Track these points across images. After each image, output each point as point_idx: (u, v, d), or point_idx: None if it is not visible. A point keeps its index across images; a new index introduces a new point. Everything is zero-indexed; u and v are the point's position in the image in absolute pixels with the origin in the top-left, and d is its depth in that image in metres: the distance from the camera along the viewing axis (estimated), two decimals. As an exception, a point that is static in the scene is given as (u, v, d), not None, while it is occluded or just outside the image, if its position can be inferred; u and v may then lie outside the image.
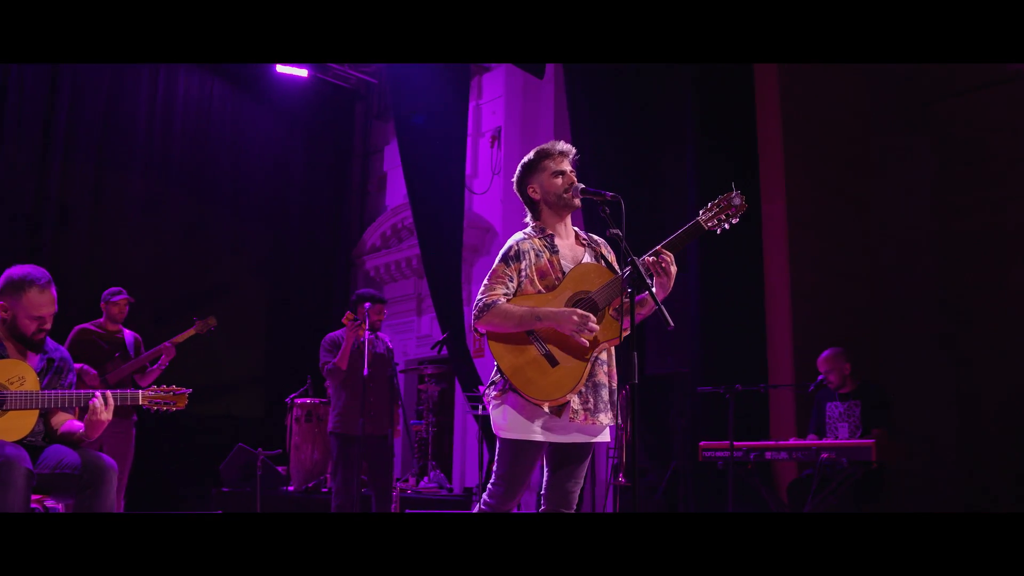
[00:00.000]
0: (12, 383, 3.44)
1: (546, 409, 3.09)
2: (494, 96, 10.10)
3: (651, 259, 3.15)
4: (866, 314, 6.69)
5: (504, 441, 3.17)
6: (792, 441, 5.38)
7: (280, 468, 7.82)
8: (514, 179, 3.39)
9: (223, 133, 10.19)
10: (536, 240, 3.28)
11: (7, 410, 3.39)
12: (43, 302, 3.53)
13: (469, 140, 10.22)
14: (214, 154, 10.09)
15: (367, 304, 6.02)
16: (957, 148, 6.72)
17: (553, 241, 3.30)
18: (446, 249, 8.82)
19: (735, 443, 5.19)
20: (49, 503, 3.52)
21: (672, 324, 2.92)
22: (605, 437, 3.29)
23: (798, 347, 6.30)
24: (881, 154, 7.00)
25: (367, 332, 5.95)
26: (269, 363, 10.11)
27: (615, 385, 3.28)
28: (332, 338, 6.06)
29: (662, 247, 3.19)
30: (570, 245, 3.35)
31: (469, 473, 9.26)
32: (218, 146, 10.14)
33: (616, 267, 3.33)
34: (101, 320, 6.04)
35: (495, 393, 3.19)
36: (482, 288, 3.20)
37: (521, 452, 3.15)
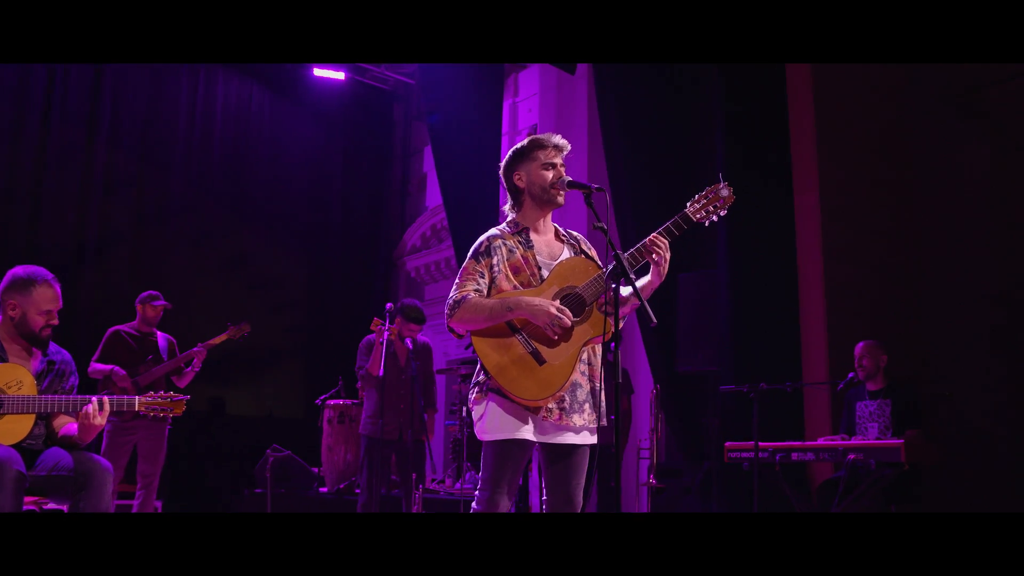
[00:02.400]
0: (10, 387, 3.47)
1: (535, 404, 3.03)
2: (530, 94, 10.03)
3: (647, 243, 3.10)
4: (907, 309, 6.41)
5: (488, 443, 3.10)
6: (821, 441, 5.18)
7: (315, 469, 7.86)
8: (502, 163, 3.31)
9: (262, 137, 10.32)
10: (509, 237, 3.22)
11: (4, 414, 3.43)
12: (50, 297, 3.63)
13: (505, 138, 10.17)
14: (253, 157, 10.21)
15: (399, 317, 6.09)
16: (1010, 134, 6.40)
17: (528, 236, 3.24)
18: (481, 249, 8.76)
19: (760, 443, 5.01)
20: (48, 506, 3.54)
21: (655, 321, 2.82)
22: (589, 439, 3.22)
23: (833, 344, 6.07)
24: (923, 142, 6.70)
25: (395, 337, 6.02)
26: (309, 365, 10.18)
27: (597, 385, 3.20)
28: (368, 341, 6.13)
29: (654, 234, 3.12)
30: (548, 241, 3.28)
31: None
32: (257, 149, 10.26)
33: (600, 262, 3.25)
34: (135, 322, 6.13)
35: (476, 394, 3.12)
36: (453, 287, 3.13)
37: (506, 453, 3.07)
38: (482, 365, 3.08)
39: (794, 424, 6.04)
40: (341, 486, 7.40)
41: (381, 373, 5.83)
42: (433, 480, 8.48)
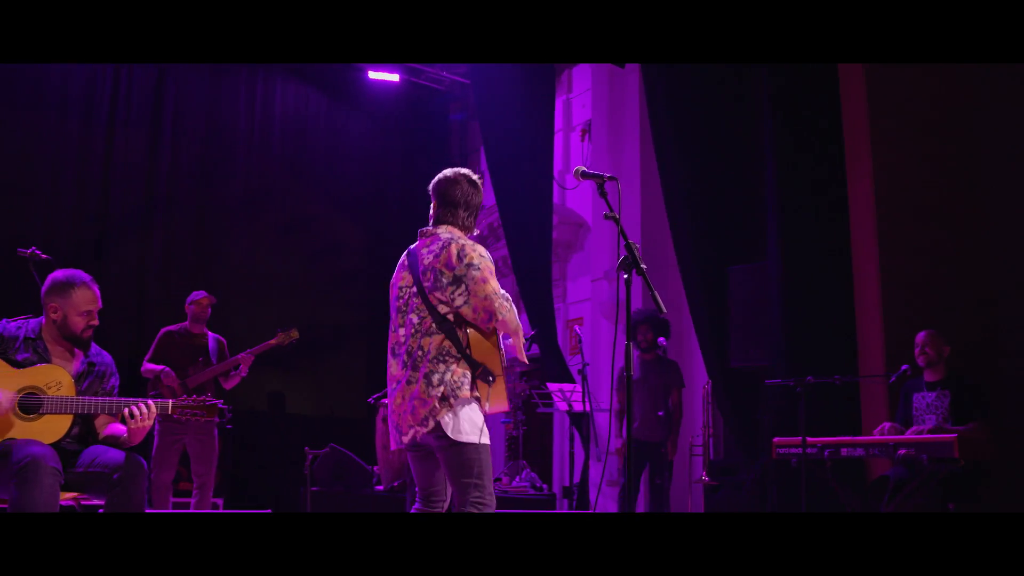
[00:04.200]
0: (50, 388, 3.58)
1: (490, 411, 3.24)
2: (583, 89, 9.97)
3: None
4: (969, 300, 6.14)
5: (480, 447, 3.20)
6: (876, 435, 5.00)
7: (374, 467, 7.93)
8: (456, 181, 3.56)
9: (319, 140, 10.49)
10: None
11: (43, 414, 3.54)
12: (90, 298, 3.74)
13: (560, 135, 10.13)
14: (311, 160, 10.39)
15: None
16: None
17: None
18: (535, 247, 8.76)
19: (809, 439, 4.86)
20: (85, 502, 3.63)
21: (665, 310, 2.77)
22: None
23: (890, 336, 5.85)
24: (987, 120, 6.39)
25: None
26: (370, 365, 10.29)
27: None
28: None
29: None
30: None
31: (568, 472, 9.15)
32: (315, 152, 10.44)
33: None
34: (185, 324, 6.27)
35: (466, 391, 3.19)
36: (494, 283, 3.25)
37: (488, 454, 3.24)
38: (486, 366, 3.21)
39: (850, 419, 5.86)
40: (395, 484, 7.45)
41: None
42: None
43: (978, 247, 6.16)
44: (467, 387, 3.18)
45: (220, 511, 6.01)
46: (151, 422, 3.60)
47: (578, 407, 6.71)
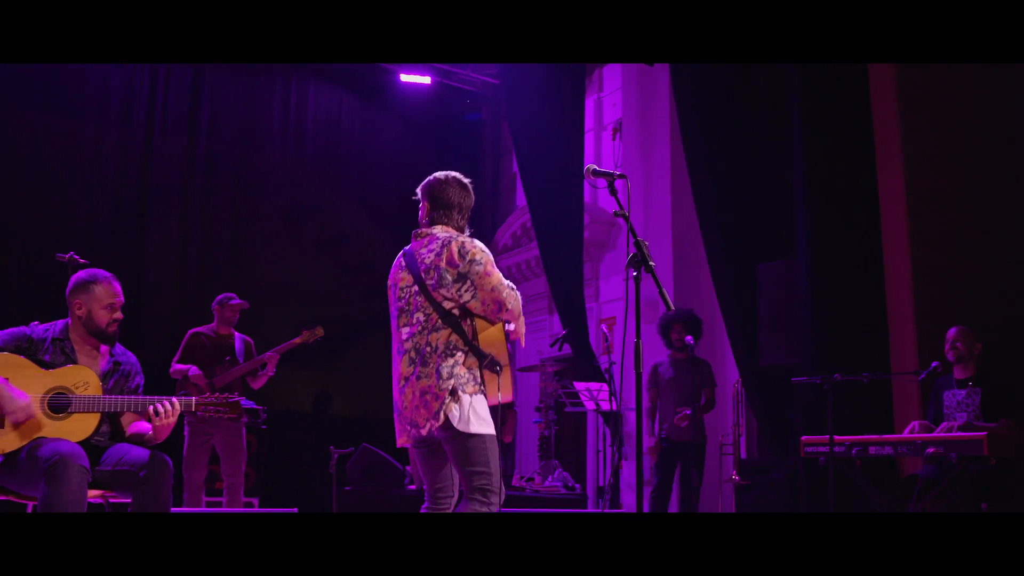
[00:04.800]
0: (77, 387, 3.67)
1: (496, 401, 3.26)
2: (614, 88, 9.94)
3: None
4: (1003, 297, 6.02)
5: (487, 437, 3.23)
6: (907, 433, 4.92)
7: (407, 467, 7.99)
8: (448, 183, 3.65)
9: (352, 143, 10.61)
10: None
11: (72, 413, 3.62)
12: (111, 292, 3.82)
13: (592, 134, 10.13)
14: (345, 163, 10.51)
15: None
16: None
17: None
18: (566, 246, 8.78)
19: (836, 437, 4.81)
20: (113, 500, 3.71)
21: (672, 307, 2.77)
22: None
23: (922, 333, 5.77)
24: (1022, 119, 6.28)
25: None
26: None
27: None
28: None
29: None
30: None
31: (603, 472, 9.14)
32: (348, 155, 10.56)
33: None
34: (213, 324, 6.36)
35: (472, 385, 3.24)
36: (498, 276, 3.34)
37: (496, 445, 3.29)
38: (493, 357, 3.27)
39: (882, 417, 5.78)
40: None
41: None
42: (521, 478, 8.51)
43: (1011, 242, 6.04)
44: (475, 380, 3.25)
45: (240, 510, 6.09)
46: (175, 420, 3.67)
47: (605, 406, 6.69)
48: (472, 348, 3.26)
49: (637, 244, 2.86)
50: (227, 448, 6.13)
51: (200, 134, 9.66)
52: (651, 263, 2.89)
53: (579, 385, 7.17)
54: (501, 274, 3.34)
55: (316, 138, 10.41)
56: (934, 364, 4.98)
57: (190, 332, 6.31)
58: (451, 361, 3.24)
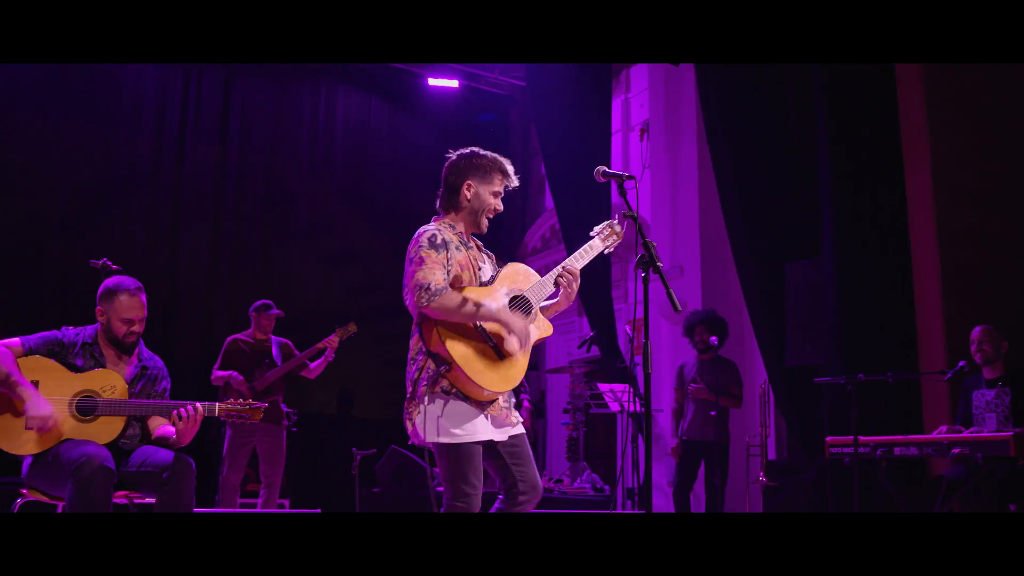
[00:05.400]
0: (104, 391, 3.76)
1: (491, 397, 3.08)
2: (641, 88, 9.91)
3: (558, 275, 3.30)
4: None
5: (447, 446, 3.07)
6: (936, 434, 4.86)
7: (435, 469, 8.02)
8: (452, 163, 3.34)
9: (381, 148, 10.69)
10: (451, 234, 3.24)
11: (98, 416, 3.71)
12: (132, 306, 3.86)
13: (619, 135, 10.11)
14: (374, 168, 10.59)
15: None
16: None
17: (464, 239, 3.29)
18: (593, 247, 8.74)
19: (861, 438, 4.76)
20: (138, 500, 3.79)
21: (680, 308, 2.78)
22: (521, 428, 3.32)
23: (951, 332, 5.69)
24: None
25: None
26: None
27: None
28: None
29: (563, 265, 3.35)
30: (476, 249, 3.36)
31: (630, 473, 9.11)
32: (377, 160, 10.64)
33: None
34: (250, 330, 6.47)
35: (424, 388, 3.06)
36: (419, 272, 3.07)
37: (474, 454, 3.09)
38: (442, 357, 3.05)
39: (910, 417, 5.72)
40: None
41: None
42: (550, 480, 8.52)
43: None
44: (428, 384, 3.07)
45: (271, 511, 6.17)
46: (197, 425, 3.74)
47: (630, 407, 6.69)
48: (428, 353, 3.09)
49: (645, 245, 2.87)
50: (268, 450, 6.24)
51: (232, 142, 9.81)
52: (659, 263, 2.90)
53: (603, 386, 7.17)
54: (434, 269, 3.06)
55: (345, 144, 10.51)
56: (961, 364, 4.91)
57: (229, 339, 6.43)
58: (414, 368, 3.13)
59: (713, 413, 6.24)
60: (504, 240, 11.49)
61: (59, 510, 3.79)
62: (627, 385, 6.86)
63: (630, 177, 3.06)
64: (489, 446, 3.16)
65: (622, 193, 3.08)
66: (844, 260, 5.98)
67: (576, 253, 3.37)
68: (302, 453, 8.24)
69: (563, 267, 3.30)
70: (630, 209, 2.95)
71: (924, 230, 5.93)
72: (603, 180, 3.23)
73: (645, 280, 2.91)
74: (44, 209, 8.85)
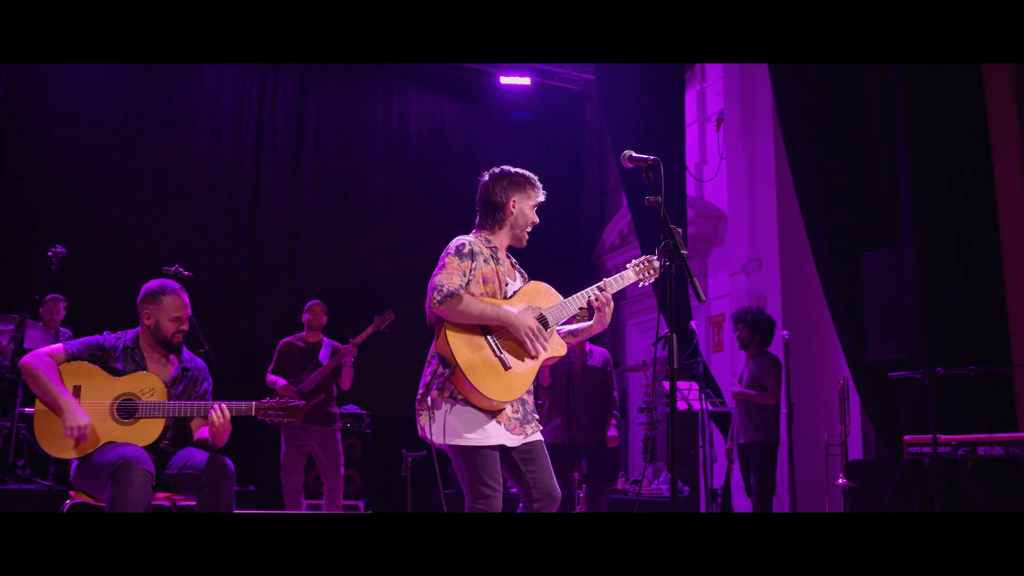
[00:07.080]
0: (144, 393, 3.79)
1: (494, 406, 3.10)
2: (716, 78, 9.61)
3: (592, 297, 3.31)
4: None
5: (458, 448, 3.13)
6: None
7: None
8: (494, 178, 3.43)
9: (455, 149, 10.65)
10: (484, 248, 3.32)
11: (139, 418, 3.74)
12: (179, 304, 3.94)
13: (695, 126, 9.84)
14: (449, 169, 10.55)
15: None
16: None
17: (496, 255, 3.36)
18: (668, 243, 8.52)
19: (940, 436, 4.44)
20: (180, 502, 3.81)
21: (704, 298, 2.60)
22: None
23: (1047, 321, 5.28)
24: None
25: None
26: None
27: (533, 400, 3.37)
28: None
29: (597, 287, 3.34)
30: (508, 266, 3.44)
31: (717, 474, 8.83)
32: (452, 162, 10.59)
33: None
34: (302, 332, 6.50)
35: (435, 392, 3.15)
36: (439, 275, 3.19)
37: (487, 457, 3.14)
38: (447, 360, 3.12)
39: (1003, 414, 5.31)
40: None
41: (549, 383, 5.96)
42: (627, 480, 8.32)
43: None
44: (437, 388, 3.17)
45: (309, 512, 6.19)
46: (229, 425, 3.74)
47: (697, 405, 6.48)
48: (439, 357, 3.18)
49: (669, 232, 2.72)
50: (322, 454, 6.23)
51: (307, 144, 9.95)
52: (683, 251, 2.73)
53: (668, 385, 6.93)
54: (454, 273, 3.19)
55: (419, 144, 10.53)
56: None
57: (282, 341, 6.47)
58: (428, 371, 3.24)
59: (745, 412, 6.21)
60: (582, 237, 11.33)
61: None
62: (692, 383, 6.65)
63: (656, 160, 2.91)
64: (504, 452, 3.22)
65: (648, 180, 2.92)
66: (925, 246, 5.60)
67: (607, 280, 3.42)
68: (377, 454, 8.24)
69: (599, 287, 3.35)
70: (655, 193, 2.79)
71: (1014, 213, 5.52)
72: (630, 166, 3.08)
73: (670, 269, 2.74)
74: (127, 215, 9.10)
